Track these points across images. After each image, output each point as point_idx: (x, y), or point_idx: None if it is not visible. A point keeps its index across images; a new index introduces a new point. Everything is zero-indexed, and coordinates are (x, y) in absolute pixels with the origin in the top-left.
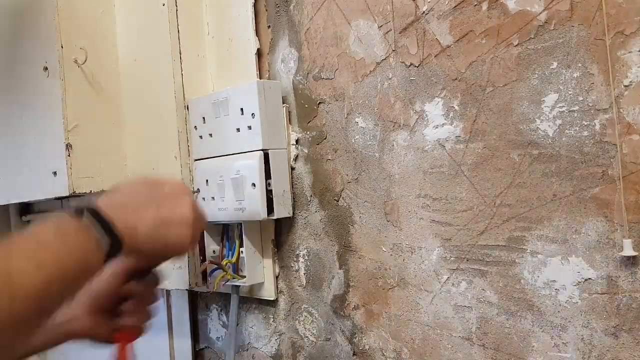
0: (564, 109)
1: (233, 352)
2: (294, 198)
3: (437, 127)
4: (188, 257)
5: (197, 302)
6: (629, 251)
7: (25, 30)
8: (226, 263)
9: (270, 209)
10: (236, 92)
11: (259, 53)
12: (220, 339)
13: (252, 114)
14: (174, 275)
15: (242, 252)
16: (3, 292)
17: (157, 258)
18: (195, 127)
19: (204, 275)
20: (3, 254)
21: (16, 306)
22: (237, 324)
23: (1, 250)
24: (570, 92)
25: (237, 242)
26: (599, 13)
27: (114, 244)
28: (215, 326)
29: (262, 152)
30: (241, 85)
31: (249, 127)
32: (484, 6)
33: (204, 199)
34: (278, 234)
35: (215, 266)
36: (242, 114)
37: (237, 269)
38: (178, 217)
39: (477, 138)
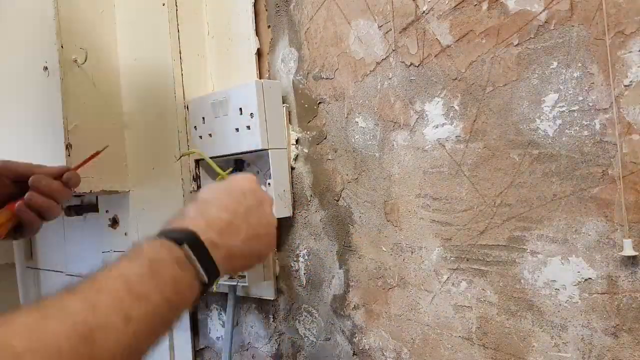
0: (564, 108)
1: (228, 352)
2: (294, 198)
3: (437, 127)
4: None
5: None
6: (629, 251)
7: (25, 30)
8: None
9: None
10: (236, 92)
11: (259, 53)
12: (220, 338)
13: (251, 113)
14: None
15: None
16: (82, 358)
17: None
18: (195, 127)
19: None
20: (87, 305)
21: None
22: (237, 324)
23: (85, 297)
24: (570, 92)
25: None
26: (599, 13)
27: (211, 275)
28: (215, 326)
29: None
30: (241, 85)
31: (248, 127)
32: (484, 6)
33: None
34: (278, 234)
35: None
36: (241, 113)
37: None
38: (264, 227)
39: (477, 138)
